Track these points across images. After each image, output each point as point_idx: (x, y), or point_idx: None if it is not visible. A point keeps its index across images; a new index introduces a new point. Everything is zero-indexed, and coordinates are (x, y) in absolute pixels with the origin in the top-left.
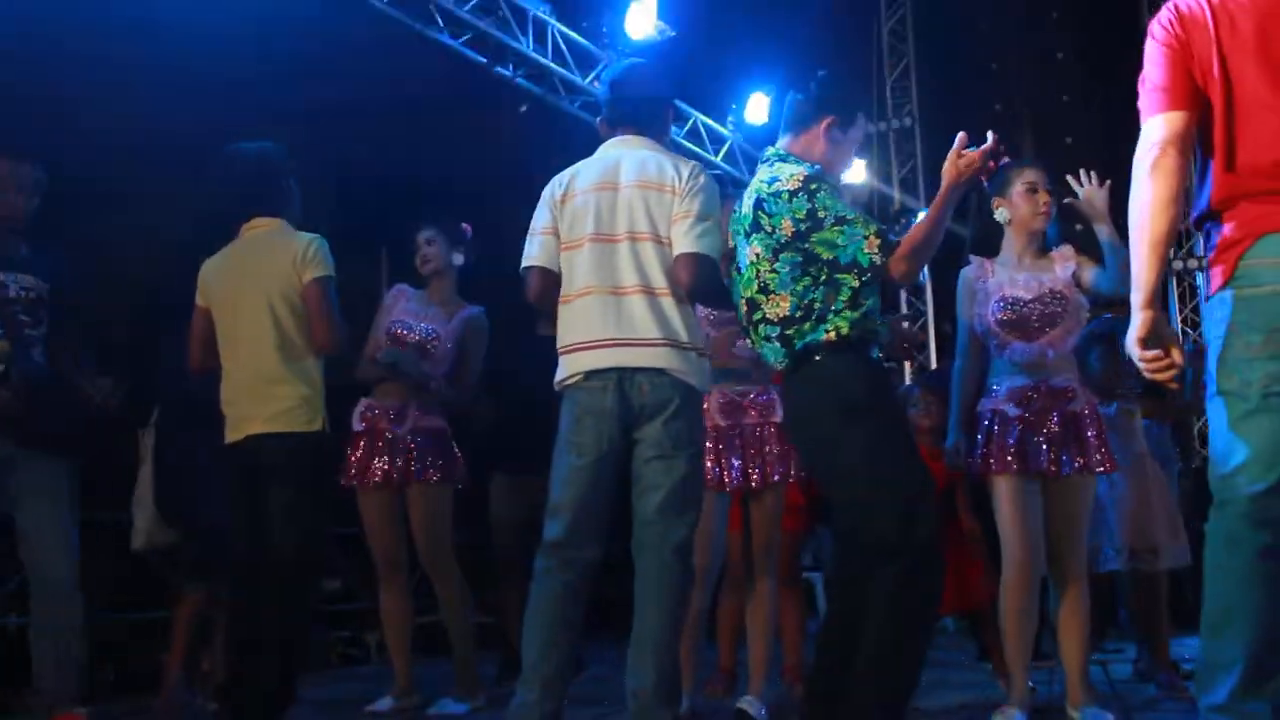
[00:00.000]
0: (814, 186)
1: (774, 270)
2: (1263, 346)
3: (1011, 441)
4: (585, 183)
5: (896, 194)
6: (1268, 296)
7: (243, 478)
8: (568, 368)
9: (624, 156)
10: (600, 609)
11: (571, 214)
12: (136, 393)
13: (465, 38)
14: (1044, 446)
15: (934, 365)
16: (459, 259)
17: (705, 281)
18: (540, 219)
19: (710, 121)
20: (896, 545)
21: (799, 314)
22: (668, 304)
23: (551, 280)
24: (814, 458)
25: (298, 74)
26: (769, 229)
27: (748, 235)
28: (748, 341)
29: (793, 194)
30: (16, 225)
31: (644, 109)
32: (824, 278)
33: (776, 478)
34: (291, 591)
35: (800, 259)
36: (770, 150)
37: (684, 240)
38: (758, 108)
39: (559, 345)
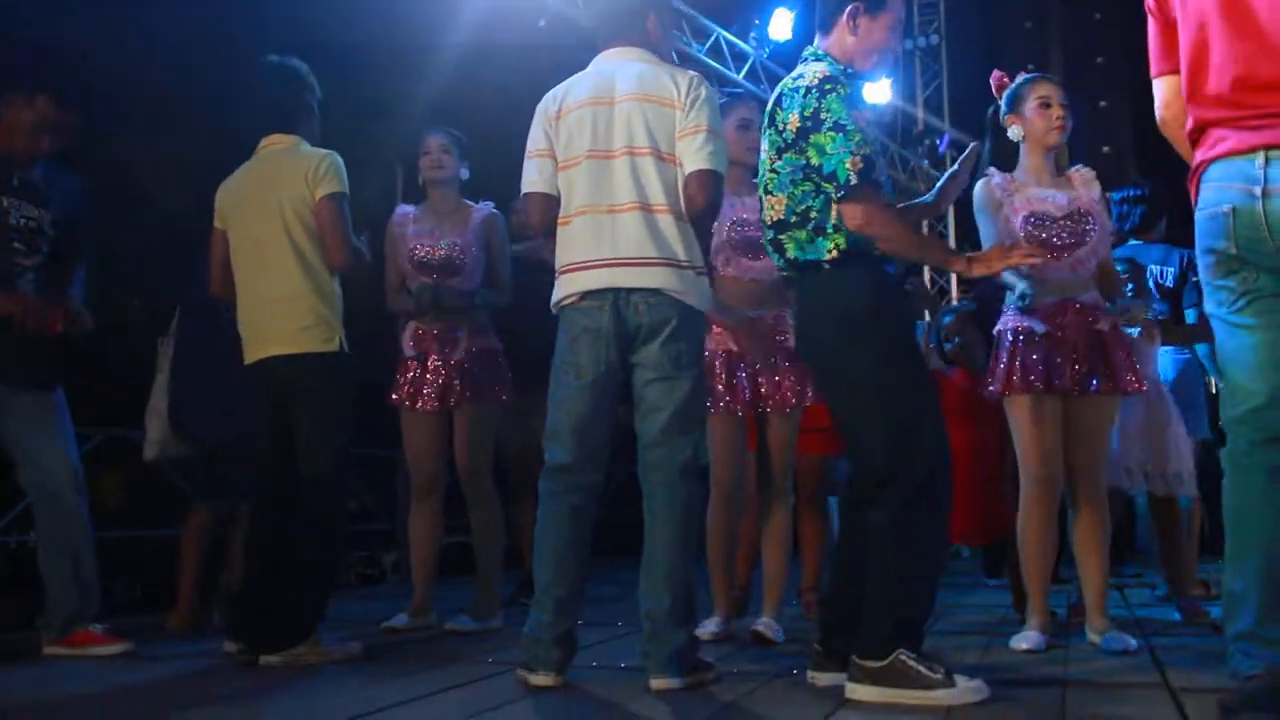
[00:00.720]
0: (828, 87)
1: (774, 170)
2: (1215, 267)
3: (1038, 358)
4: (578, 97)
5: (920, 114)
6: (1210, 218)
7: (265, 397)
8: (563, 288)
9: (618, 69)
10: (610, 530)
11: (567, 131)
12: (157, 303)
13: None
14: (1071, 364)
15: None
16: (465, 173)
17: (718, 197)
18: (535, 140)
19: (732, 38)
20: (893, 471)
21: (793, 219)
22: (665, 221)
23: (552, 204)
24: (819, 376)
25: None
26: (779, 126)
27: (765, 131)
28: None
29: (806, 90)
30: (38, 158)
31: (623, 19)
32: (818, 185)
33: (794, 401)
34: (322, 511)
35: (802, 161)
36: (808, 50)
37: (695, 157)
38: (781, 23)
39: (557, 266)
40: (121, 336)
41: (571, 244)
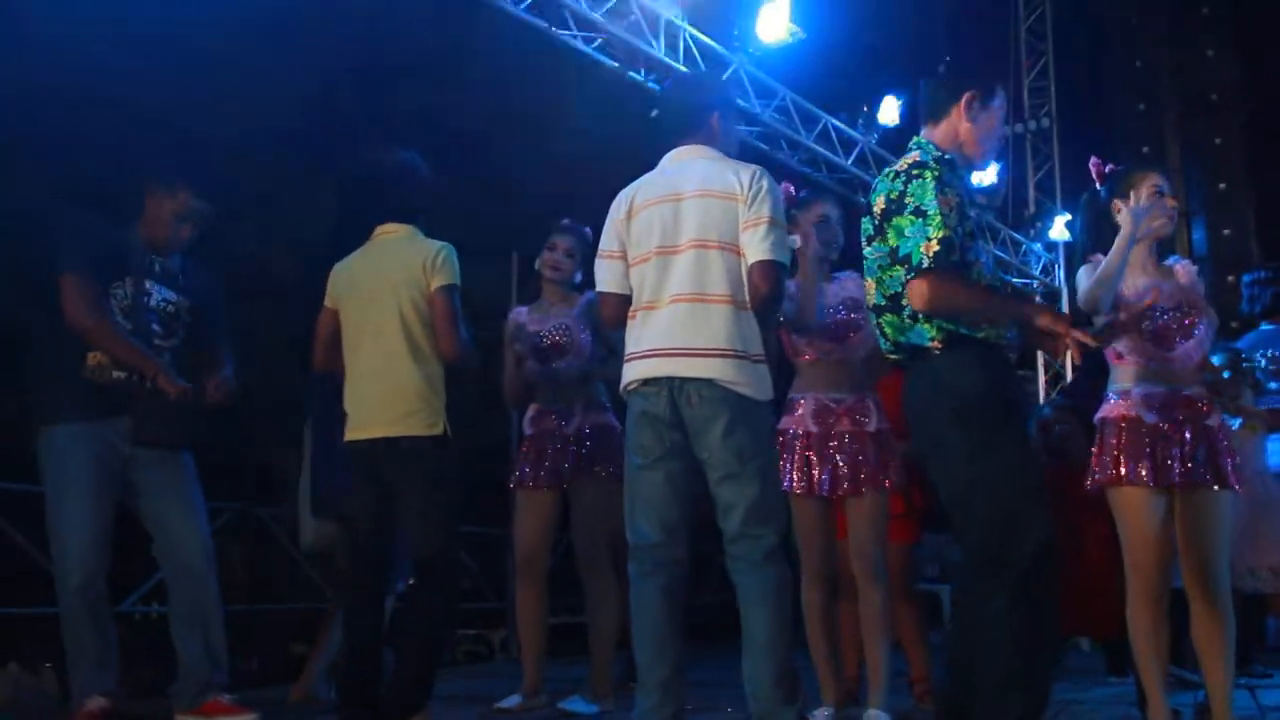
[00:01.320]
0: (915, 172)
1: (865, 256)
2: None
3: (1142, 449)
4: (647, 197)
5: (1032, 197)
6: None
7: (366, 476)
8: (627, 374)
9: (684, 167)
10: (711, 614)
11: (636, 231)
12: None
13: (596, 42)
14: (1176, 457)
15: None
16: (579, 276)
17: (780, 286)
18: (607, 241)
19: (841, 124)
20: (1003, 557)
21: (884, 303)
22: (722, 311)
23: (623, 302)
24: (927, 459)
25: (429, 78)
26: (872, 212)
27: (865, 218)
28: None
29: (895, 175)
30: (178, 249)
31: (691, 118)
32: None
33: (873, 484)
34: (435, 590)
35: (886, 247)
36: (914, 139)
37: (758, 248)
38: (890, 109)
39: (625, 355)
40: (248, 416)
41: (635, 334)
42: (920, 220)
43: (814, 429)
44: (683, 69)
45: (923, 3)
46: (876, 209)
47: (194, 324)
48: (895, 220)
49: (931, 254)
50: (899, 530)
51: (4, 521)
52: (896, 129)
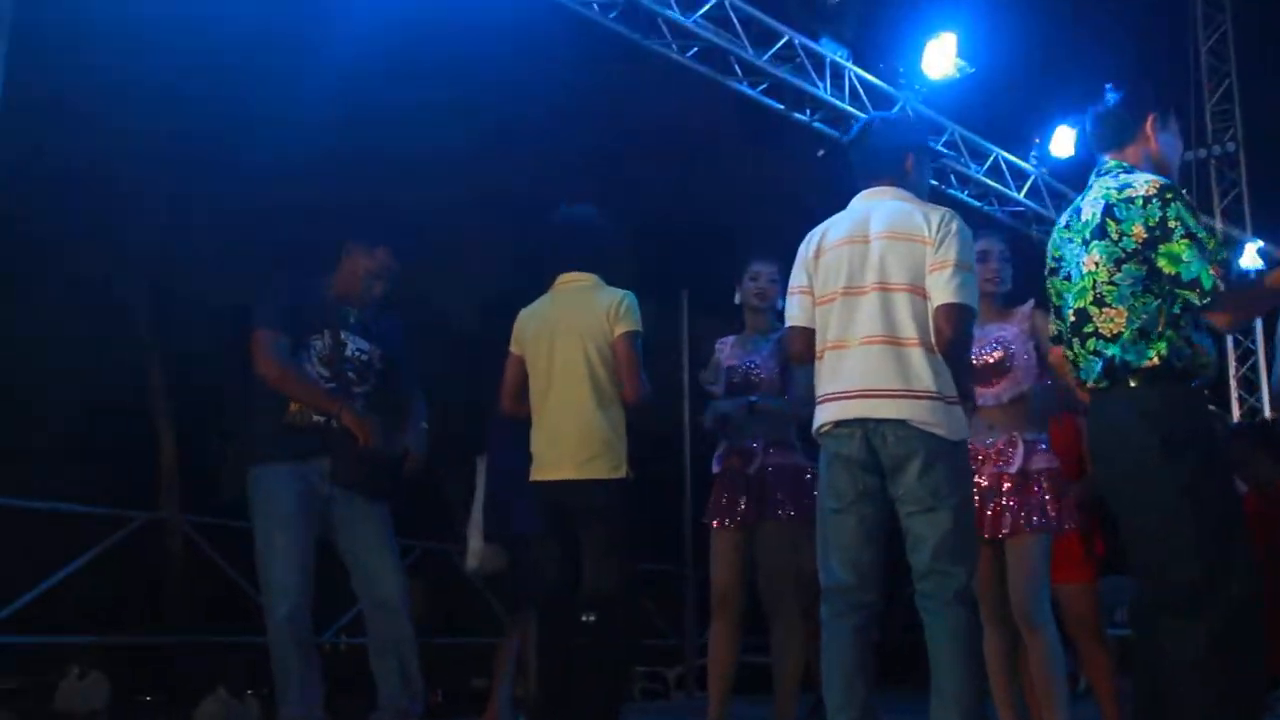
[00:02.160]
0: (1169, 195)
1: (1112, 282)
2: None
3: None
4: (836, 237)
5: (1219, 224)
6: None
7: (552, 514)
8: (819, 417)
9: (873, 208)
10: (898, 657)
11: (824, 270)
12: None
13: (763, 86)
14: None
15: (1267, 413)
16: (780, 303)
17: (967, 332)
18: (796, 278)
19: (1012, 157)
20: (1205, 598)
21: (1131, 333)
22: (913, 354)
23: (811, 337)
24: (1118, 491)
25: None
26: (1115, 236)
27: (1087, 243)
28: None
29: (1147, 199)
30: (370, 305)
31: (884, 159)
32: (1162, 296)
33: (1020, 528)
34: (611, 628)
35: (1143, 272)
36: (1110, 163)
37: (944, 290)
38: (1064, 140)
39: (815, 396)
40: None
41: (825, 376)
42: (1197, 245)
43: (983, 481)
44: (849, 109)
45: (1093, 31)
46: (1134, 236)
47: (385, 372)
48: (1164, 247)
49: (1220, 276)
50: (1079, 570)
51: (216, 555)
52: (1070, 160)
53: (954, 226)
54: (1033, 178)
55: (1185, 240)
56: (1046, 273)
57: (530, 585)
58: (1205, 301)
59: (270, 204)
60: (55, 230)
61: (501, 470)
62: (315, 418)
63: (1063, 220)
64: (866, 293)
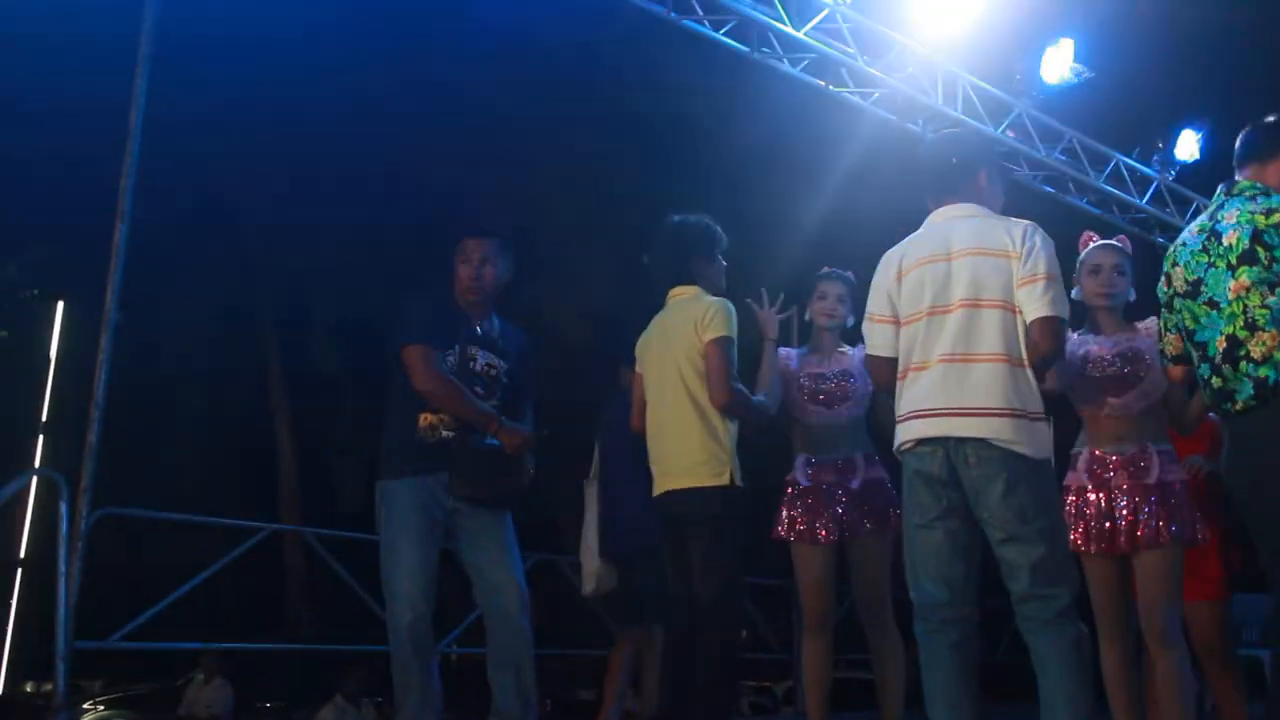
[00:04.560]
0: None
1: (1265, 306)
2: None
3: None
4: (916, 257)
5: None
6: None
7: (665, 527)
8: (901, 434)
9: (952, 226)
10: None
11: (908, 291)
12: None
13: (874, 96)
14: None
15: None
16: (850, 320)
17: (1061, 342)
18: (877, 304)
19: (1133, 162)
20: None
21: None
22: (996, 370)
23: (893, 366)
24: (1263, 509)
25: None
26: (1266, 262)
27: (1233, 268)
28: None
29: None
30: (487, 297)
31: (954, 176)
32: None
33: (1153, 540)
34: (714, 637)
35: None
36: (1244, 182)
37: (1036, 304)
38: (1188, 144)
39: (896, 415)
40: (538, 471)
41: (908, 395)
42: None
43: (1088, 483)
44: (962, 118)
45: (1216, 32)
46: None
47: (509, 385)
48: None
49: None
50: (1210, 589)
51: (339, 567)
52: (1195, 164)
53: (1038, 240)
54: (1156, 184)
55: None
56: (1174, 292)
57: (638, 600)
58: None
59: (390, 226)
60: (190, 256)
61: (611, 487)
62: (445, 433)
63: (1197, 244)
64: (952, 310)
